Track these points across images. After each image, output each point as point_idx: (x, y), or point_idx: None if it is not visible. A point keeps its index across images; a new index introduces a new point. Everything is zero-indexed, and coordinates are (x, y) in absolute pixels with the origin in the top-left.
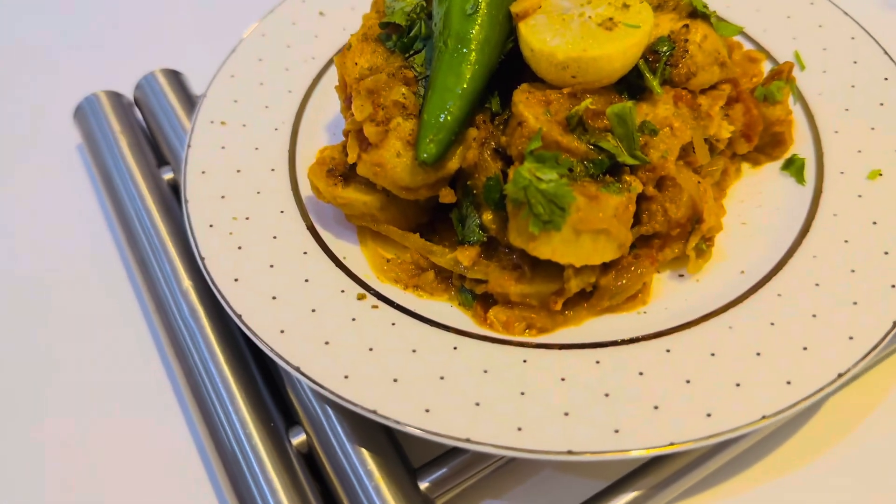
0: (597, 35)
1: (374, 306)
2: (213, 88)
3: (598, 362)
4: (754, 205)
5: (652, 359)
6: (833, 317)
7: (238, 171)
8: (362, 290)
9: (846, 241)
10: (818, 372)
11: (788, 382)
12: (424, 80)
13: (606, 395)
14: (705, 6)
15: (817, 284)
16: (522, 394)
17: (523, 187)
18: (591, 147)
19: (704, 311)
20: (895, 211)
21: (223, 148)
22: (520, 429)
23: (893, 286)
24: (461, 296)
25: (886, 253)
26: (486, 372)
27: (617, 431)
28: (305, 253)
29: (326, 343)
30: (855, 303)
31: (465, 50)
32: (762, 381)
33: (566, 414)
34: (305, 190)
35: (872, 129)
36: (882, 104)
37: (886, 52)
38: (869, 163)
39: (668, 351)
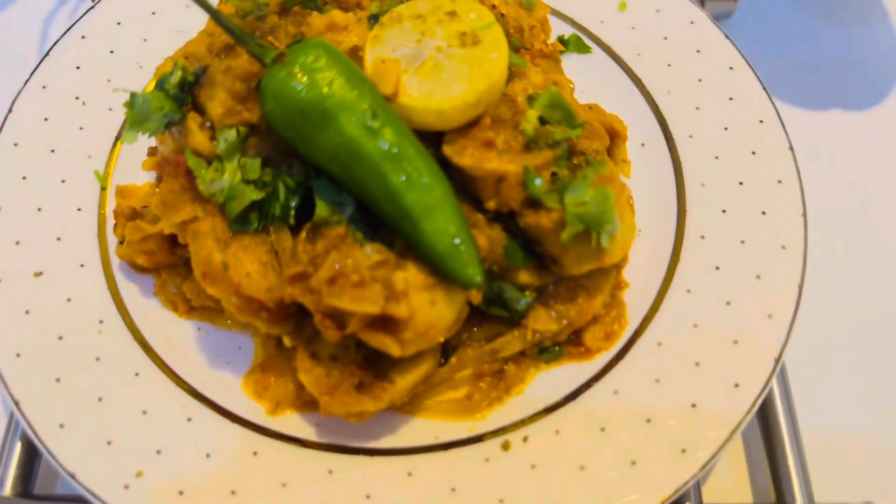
0: (474, 56)
1: None
2: None
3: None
4: None
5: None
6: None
7: None
8: None
9: None
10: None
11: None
12: (352, 223)
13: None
14: None
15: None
16: None
17: (580, 216)
18: (553, 146)
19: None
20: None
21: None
22: None
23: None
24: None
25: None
26: None
27: None
28: None
29: None
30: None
31: (403, 161)
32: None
33: None
34: None
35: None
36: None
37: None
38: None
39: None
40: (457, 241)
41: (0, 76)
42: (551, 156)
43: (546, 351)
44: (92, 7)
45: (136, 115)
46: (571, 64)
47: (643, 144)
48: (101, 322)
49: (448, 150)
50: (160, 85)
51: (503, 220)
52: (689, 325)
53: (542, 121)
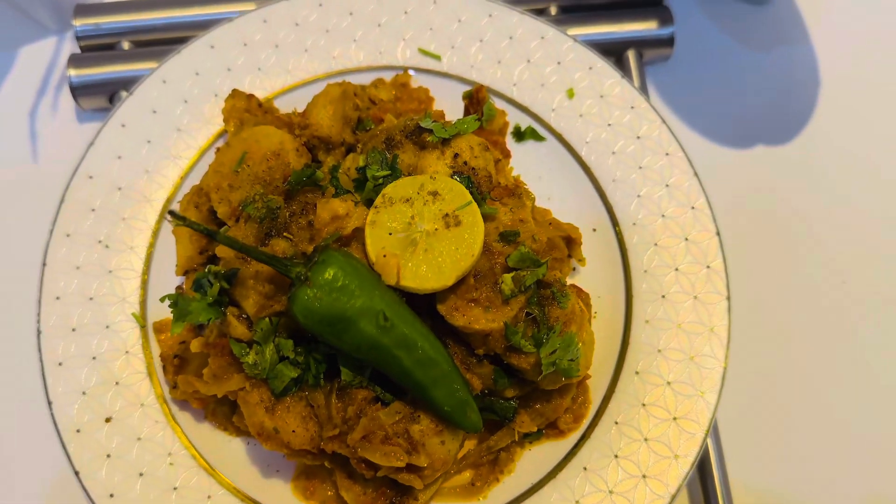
0: (458, 235)
1: None
2: None
3: None
4: None
5: None
6: None
7: None
8: None
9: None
10: None
11: None
12: (371, 380)
13: None
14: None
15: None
16: None
17: (552, 364)
18: (525, 290)
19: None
20: None
21: None
22: None
23: None
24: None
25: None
26: None
27: None
28: None
29: None
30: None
31: (411, 346)
32: None
33: None
34: None
35: None
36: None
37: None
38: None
39: None
40: (459, 399)
41: None
42: (524, 299)
43: (529, 434)
44: (92, 144)
45: (180, 312)
46: (529, 151)
47: (594, 230)
48: (170, 455)
49: (441, 308)
50: (198, 286)
51: (490, 357)
52: (639, 404)
53: (519, 271)
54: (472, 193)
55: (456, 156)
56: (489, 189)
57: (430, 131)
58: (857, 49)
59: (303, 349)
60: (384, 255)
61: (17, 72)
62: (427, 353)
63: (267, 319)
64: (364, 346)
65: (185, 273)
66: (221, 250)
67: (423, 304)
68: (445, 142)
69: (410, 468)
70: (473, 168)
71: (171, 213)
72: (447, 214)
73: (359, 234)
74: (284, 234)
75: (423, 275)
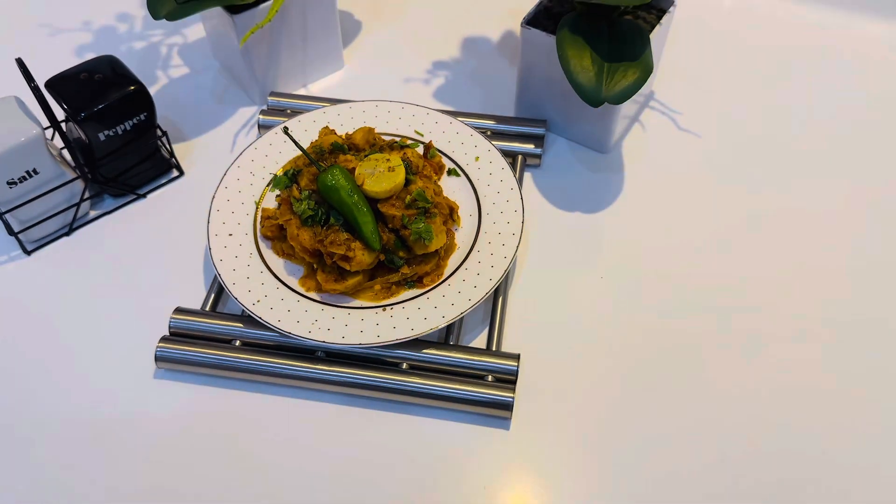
0: (392, 175)
1: None
2: None
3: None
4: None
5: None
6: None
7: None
8: None
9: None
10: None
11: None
12: (342, 226)
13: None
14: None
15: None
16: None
17: (417, 233)
18: (417, 207)
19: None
20: None
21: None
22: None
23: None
24: (408, 284)
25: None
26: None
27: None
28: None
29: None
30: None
31: (360, 206)
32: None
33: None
34: None
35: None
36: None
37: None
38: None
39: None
40: (374, 235)
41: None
42: (416, 211)
43: (408, 282)
44: (254, 142)
45: (276, 182)
46: (453, 181)
47: (470, 215)
48: (251, 254)
49: (379, 206)
50: (286, 174)
51: (394, 231)
52: (471, 274)
53: (415, 199)
54: (406, 169)
55: (405, 154)
56: (416, 172)
57: (398, 144)
58: (657, 182)
59: (318, 205)
60: (359, 175)
61: (233, 118)
62: (364, 212)
63: (307, 191)
64: (340, 203)
65: (283, 173)
66: (296, 161)
67: (372, 202)
68: (402, 147)
69: (346, 258)
70: (410, 161)
71: (285, 129)
72: (390, 167)
73: (354, 169)
74: (322, 162)
75: (373, 186)
